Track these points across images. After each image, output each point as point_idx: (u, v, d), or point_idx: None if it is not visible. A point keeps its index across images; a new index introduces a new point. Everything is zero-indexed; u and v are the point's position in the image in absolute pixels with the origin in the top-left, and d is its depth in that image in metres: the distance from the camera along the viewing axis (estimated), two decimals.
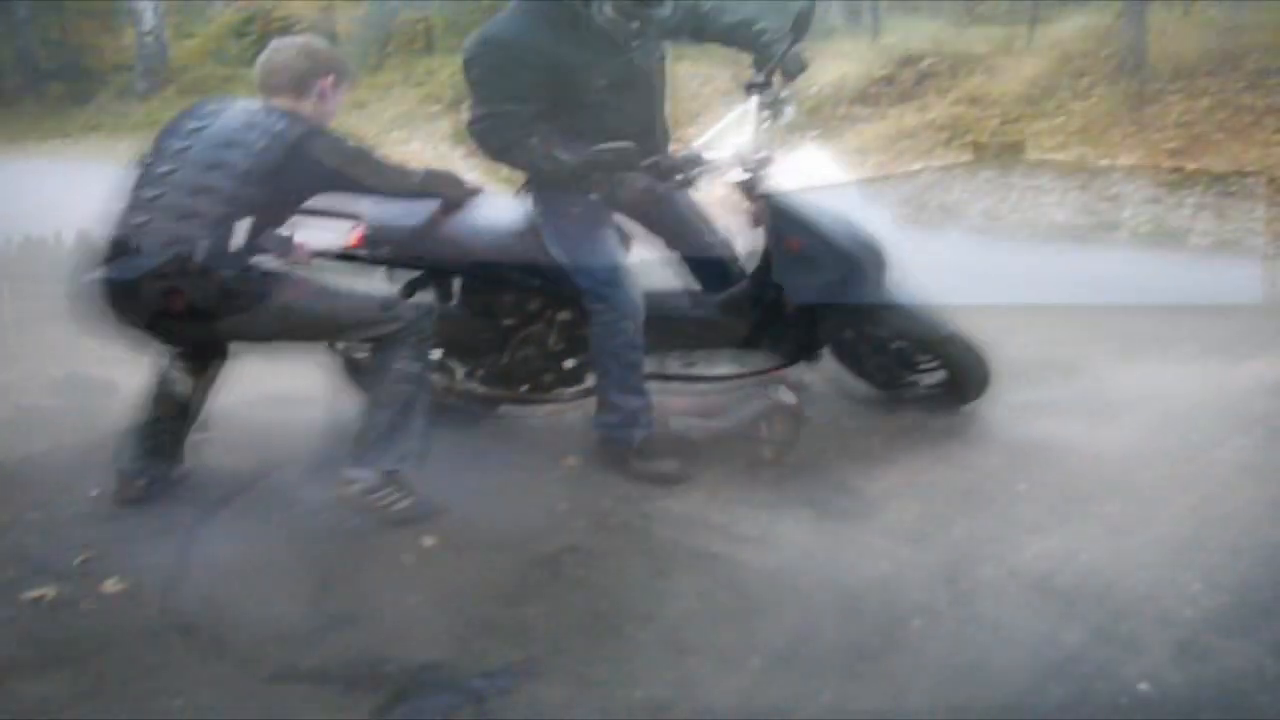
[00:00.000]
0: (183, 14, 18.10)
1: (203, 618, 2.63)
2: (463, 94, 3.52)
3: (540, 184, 3.27)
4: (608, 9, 3.05)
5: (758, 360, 3.49)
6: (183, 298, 2.80)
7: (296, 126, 2.89)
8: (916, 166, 8.23)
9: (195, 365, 3.18)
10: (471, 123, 3.14)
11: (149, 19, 16.08)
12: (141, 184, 2.91)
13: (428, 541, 2.92)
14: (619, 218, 3.36)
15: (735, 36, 3.44)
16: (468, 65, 3.13)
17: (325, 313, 3.01)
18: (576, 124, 3.10)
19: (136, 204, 2.88)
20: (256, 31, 15.26)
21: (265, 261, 2.97)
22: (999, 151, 6.61)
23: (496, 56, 3.08)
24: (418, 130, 12.03)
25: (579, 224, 3.24)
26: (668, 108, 3.39)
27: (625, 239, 3.38)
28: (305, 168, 2.89)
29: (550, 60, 3.05)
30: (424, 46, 14.69)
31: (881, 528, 2.94)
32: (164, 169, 2.89)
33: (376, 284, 3.33)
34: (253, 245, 2.92)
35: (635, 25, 3.12)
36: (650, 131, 3.26)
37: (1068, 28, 10.15)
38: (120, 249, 2.85)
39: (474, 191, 3.32)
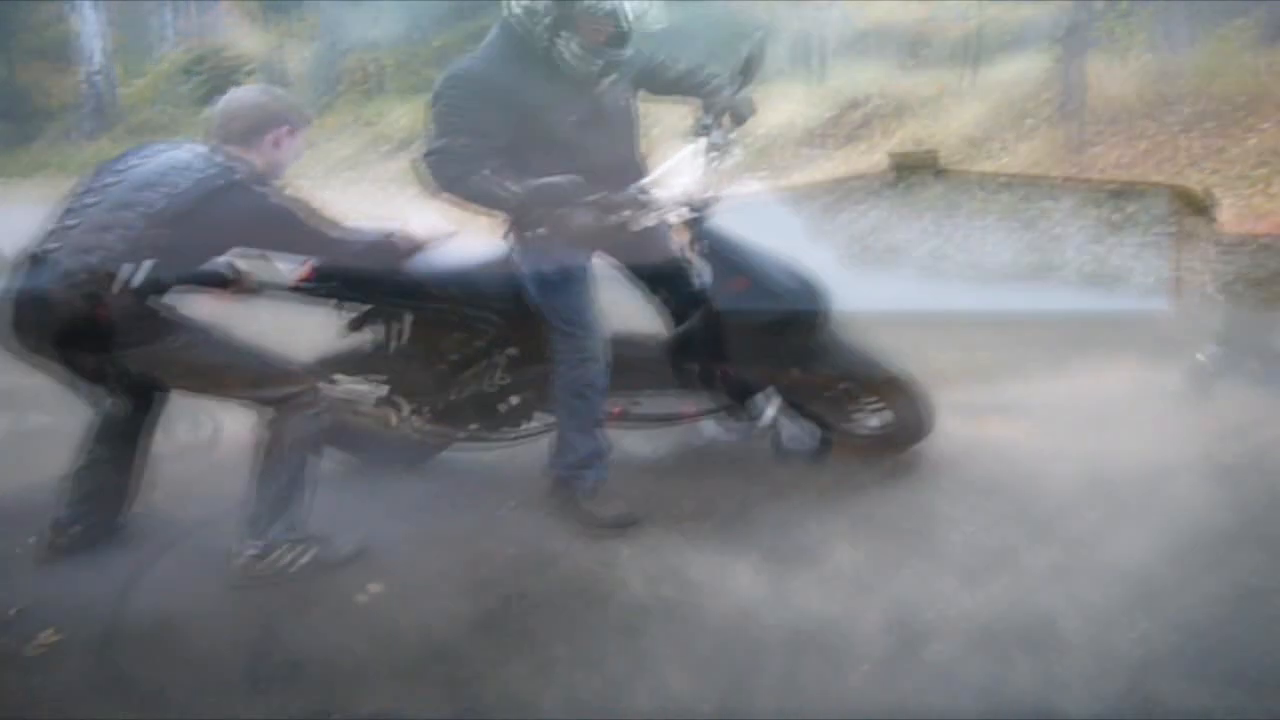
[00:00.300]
0: (132, 53, 17.96)
1: (141, 670, 2.57)
2: (414, 134, 3.52)
3: (522, 226, 3.25)
4: (574, 47, 3.09)
5: (704, 400, 3.50)
6: (74, 327, 2.77)
7: (229, 175, 2.87)
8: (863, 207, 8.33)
9: (131, 407, 3.13)
10: (427, 154, 3.14)
11: (97, 58, 15.96)
12: (66, 212, 2.91)
13: (374, 588, 2.88)
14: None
15: (685, 85, 3.47)
16: (435, 99, 3.14)
17: (222, 365, 2.95)
18: (548, 160, 3.10)
19: (55, 231, 2.88)
20: (206, 72, 15.19)
21: (174, 303, 2.93)
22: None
23: (463, 91, 3.11)
24: (368, 170, 12.00)
25: (558, 266, 3.24)
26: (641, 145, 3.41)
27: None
28: (226, 217, 2.85)
29: (517, 97, 3.08)
30: (375, 87, 14.71)
31: (829, 570, 2.94)
32: (90, 200, 2.89)
33: (285, 347, 3.27)
34: (192, 275, 2.89)
35: (600, 64, 3.15)
36: (624, 168, 3.28)
37: (1009, 71, 10.36)
38: (28, 274, 2.84)
39: (427, 242, 3.30)
